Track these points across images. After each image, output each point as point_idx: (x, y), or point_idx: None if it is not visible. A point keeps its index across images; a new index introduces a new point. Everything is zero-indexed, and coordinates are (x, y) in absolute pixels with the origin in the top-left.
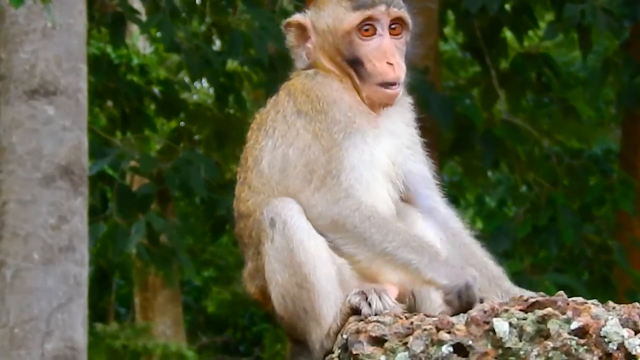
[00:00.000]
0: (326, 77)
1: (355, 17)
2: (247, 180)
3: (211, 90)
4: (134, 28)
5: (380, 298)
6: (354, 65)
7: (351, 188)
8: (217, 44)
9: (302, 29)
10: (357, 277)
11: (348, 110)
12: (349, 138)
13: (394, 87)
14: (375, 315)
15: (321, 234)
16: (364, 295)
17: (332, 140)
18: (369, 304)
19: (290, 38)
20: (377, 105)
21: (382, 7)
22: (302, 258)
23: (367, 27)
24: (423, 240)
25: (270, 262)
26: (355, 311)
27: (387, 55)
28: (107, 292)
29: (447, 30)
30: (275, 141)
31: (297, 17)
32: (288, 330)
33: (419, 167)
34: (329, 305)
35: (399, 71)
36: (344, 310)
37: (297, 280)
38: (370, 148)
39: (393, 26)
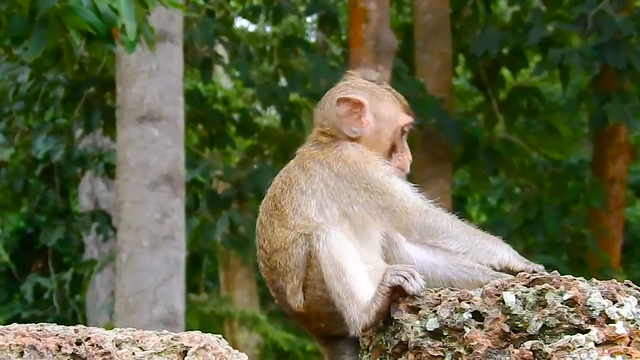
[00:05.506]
0: (357, 146)
1: (407, 118)
2: (284, 223)
3: (278, 116)
4: (219, 69)
5: (415, 278)
6: (390, 149)
7: (425, 204)
8: (283, 81)
9: (358, 107)
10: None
11: (381, 164)
12: (393, 177)
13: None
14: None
15: (424, 243)
16: (401, 276)
17: (382, 185)
18: (411, 284)
19: (343, 110)
20: None
21: (413, 119)
22: (338, 253)
23: (407, 129)
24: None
25: (321, 266)
26: (395, 289)
27: (406, 151)
28: (199, 271)
29: (458, 69)
30: (321, 200)
31: (357, 96)
32: (325, 326)
33: None
34: (360, 285)
35: (409, 164)
36: (384, 290)
37: (333, 272)
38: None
39: None
